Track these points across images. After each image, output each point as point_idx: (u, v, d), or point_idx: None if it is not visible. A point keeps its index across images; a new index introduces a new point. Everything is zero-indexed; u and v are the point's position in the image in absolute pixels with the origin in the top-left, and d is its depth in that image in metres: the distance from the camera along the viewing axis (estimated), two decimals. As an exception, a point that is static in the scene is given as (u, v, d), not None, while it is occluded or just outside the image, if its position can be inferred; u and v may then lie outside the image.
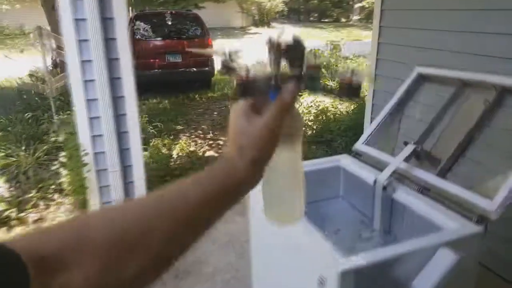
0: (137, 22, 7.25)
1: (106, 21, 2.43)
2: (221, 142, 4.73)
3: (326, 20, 25.47)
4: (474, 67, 2.05)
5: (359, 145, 1.71)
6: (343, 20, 25.69)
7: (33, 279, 0.33)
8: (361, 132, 2.81)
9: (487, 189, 1.24)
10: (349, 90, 0.54)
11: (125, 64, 2.53)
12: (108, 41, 2.47)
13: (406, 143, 1.54)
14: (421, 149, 1.52)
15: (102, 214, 0.46)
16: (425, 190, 1.36)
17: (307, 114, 5.09)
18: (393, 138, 1.76)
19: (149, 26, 7.30)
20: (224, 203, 0.48)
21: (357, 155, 1.68)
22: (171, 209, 0.44)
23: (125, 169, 2.68)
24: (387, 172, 1.45)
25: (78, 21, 2.36)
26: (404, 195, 1.40)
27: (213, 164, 0.49)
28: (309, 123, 4.81)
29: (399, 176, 1.45)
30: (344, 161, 1.73)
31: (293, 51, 0.49)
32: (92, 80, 2.47)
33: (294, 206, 0.58)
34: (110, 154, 2.55)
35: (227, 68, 0.53)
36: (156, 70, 7.00)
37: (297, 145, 0.55)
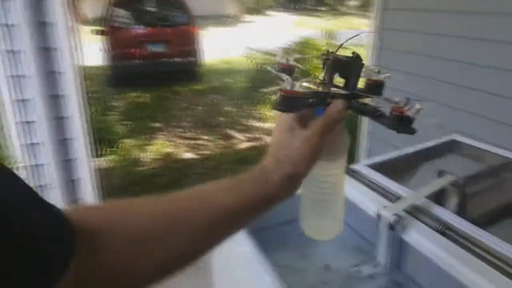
0: (116, 9, 6.67)
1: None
2: (201, 142, 4.23)
3: (323, 8, 24.80)
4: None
5: (361, 166, 1.22)
6: (340, 7, 25.01)
7: (80, 252, 0.33)
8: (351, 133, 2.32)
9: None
10: (401, 121, 0.46)
11: (64, 55, 2.01)
12: (41, 26, 1.95)
13: (441, 173, 1.06)
14: (461, 185, 1.04)
15: (135, 203, 0.43)
16: (448, 230, 0.89)
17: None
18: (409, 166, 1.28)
19: (130, 13, 6.73)
20: (251, 214, 0.47)
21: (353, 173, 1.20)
22: (198, 211, 0.43)
23: (71, 184, 2.19)
24: (398, 206, 0.97)
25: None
26: (421, 239, 0.91)
27: (248, 171, 0.48)
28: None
29: (413, 210, 0.97)
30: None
31: (350, 68, 0.48)
32: (22, 76, 1.96)
33: (331, 222, 0.58)
34: (48, 167, 2.06)
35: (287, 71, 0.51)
36: (137, 60, 6.45)
37: (340, 161, 0.54)
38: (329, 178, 0.54)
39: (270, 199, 0.47)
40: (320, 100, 0.47)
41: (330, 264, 1.02)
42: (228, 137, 4.47)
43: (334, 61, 0.48)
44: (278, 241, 1.09)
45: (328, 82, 0.49)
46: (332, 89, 0.49)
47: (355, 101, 0.50)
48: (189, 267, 0.43)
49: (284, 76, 0.46)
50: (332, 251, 1.07)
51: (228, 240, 0.46)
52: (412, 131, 0.46)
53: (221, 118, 5.10)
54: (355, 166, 1.22)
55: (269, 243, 0.96)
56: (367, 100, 0.50)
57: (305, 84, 0.47)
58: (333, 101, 0.48)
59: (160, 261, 0.40)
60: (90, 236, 0.35)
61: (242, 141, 4.38)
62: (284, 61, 0.53)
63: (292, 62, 0.53)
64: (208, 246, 0.45)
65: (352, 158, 3.08)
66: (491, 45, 1.95)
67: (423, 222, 0.92)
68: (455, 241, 0.85)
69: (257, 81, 6.05)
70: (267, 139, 4.34)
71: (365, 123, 2.90)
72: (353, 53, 0.48)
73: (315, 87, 0.48)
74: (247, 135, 4.51)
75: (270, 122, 4.76)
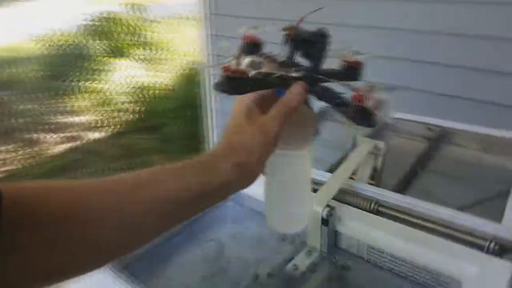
0: None
1: None
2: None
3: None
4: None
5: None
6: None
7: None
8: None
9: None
10: (361, 115, 0.42)
11: None
12: None
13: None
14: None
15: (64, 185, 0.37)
16: (381, 207, 0.77)
17: (122, 95, 3.95)
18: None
19: None
20: (195, 204, 0.41)
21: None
22: (127, 201, 0.37)
23: None
24: (327, 195, 0.76)
25: None
26: (355, 225, 0.75)
27: (198, 155, 0.43)
28: (128, 107, 3.72)
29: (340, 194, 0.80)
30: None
31: (312, 45, 0.43)
32: None
33: (297, 213, 0.54)
34: None
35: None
36: None
37: (305, 148, 0.49)
38: (294, 167, 0.50)
39: (216, 189, 0.41)
40: (273, 81, 0.42)
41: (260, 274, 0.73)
42: (34, 143, 3.50)
43: (295, 36, 0.44)
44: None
45: (287, 60, 0.44)
46: (288, 69, 0.43)
47: (316, 85, 0.44)
48: (111, 262, 0.38)
49: (235, 53, 0.43)
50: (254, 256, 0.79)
51: (164, 233, 0.41)
52: (372, 124, 0.42)
53: (18, 120, 3.95)
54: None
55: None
56: (332, 85, 0.45)
57: (256, 60, 0.42)
58: (293, 83, 0.43)
59: (80, 257, 0.35)
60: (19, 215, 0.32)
61: (54, 144, 3.50)
62: (251, 31, 0.46)
63: (259, 36, 0.46)
64: (139, 240, 0.39)
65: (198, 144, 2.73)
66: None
67: (354, 206, 0.79)
68: (390, 216, 0.76)
69: (58, 67, 4.98)
70: (89, 135, 3.59)
71: (214, 101, 2.55)
72: (319, 29, 0.43)
73: (268, 66, 0.42)
74: (61, 135, 3.62)
75: (88, 115, 3.94)
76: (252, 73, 0.40)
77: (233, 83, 0.41)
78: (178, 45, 5.06)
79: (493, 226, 0.68)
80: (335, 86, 0.45)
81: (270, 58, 0.44)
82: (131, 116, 3.71)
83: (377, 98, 0.41)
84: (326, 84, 0.45)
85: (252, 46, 0.46)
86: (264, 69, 0.41)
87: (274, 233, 0.80)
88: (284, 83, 0.43)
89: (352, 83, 0.44)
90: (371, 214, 0.76)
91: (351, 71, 0.45)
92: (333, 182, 0.80)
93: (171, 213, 0.40)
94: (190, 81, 3.47)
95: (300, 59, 0.45)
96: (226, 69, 0.40)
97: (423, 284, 0.67)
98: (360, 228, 0.74)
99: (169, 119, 3.48)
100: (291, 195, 0.53)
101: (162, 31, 5.34)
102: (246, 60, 0.41)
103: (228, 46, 0.49)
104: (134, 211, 0.37)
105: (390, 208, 0.77)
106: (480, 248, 0.66)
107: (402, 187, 0.94)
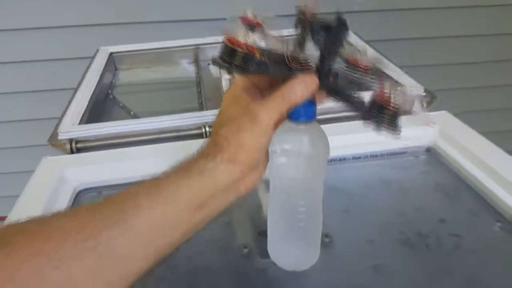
0: None
1: None
2: None
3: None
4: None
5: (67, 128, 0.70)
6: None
7: None
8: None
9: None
10: (391, 117, 0.33)
11: None
12: None
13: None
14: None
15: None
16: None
17: None
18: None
19: None
20: (183, 222, 0.32)
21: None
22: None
23: None
24: None
25: None
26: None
27: (183, 160, 0.34)
28: None
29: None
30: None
31: (330, 34, 0.35)
32: None
33: (308, 249, 0.42)
34: None
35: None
36: None
37: (319, 165, 0.38)
38: (304, 186, 0.39)
39: (212, 194, 0.32)
40: (279, 66, 0.35)
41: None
42: None
43: (311, 21, 0.35)
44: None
45: (298, 48, 0.36)
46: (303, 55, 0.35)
47: (327, 79, 0.36)
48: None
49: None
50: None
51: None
52: (397, 131, 0.33)
53: None
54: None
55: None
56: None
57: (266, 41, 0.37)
58: (302, 74, 0.35)
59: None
60: None
61: None
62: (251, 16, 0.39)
63: (260, 21, 0.39)
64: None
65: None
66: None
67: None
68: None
69: None
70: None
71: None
72: (337, 17, 0.35)
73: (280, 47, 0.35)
74: None
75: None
76: (260, 47, 0.34)
77: (234, 56, 0.34)
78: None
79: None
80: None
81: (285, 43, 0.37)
82: None
83: (406, 98, 0.34)
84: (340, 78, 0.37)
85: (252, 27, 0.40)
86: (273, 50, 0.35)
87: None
88: (291, 71, 0.35)
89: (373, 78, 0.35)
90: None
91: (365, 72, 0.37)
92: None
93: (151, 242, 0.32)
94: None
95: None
96: (231, 40, 0.34)
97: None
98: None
99: None
100: (301, 225, 0.43)
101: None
102: (255, 37, 0.36)
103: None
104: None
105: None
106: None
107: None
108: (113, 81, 1.04)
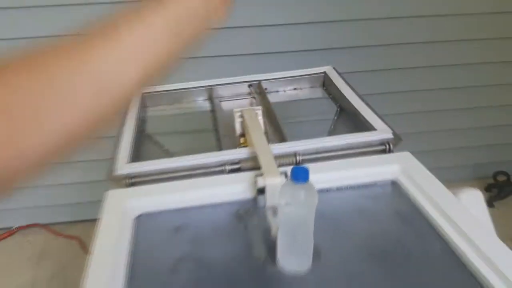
0: None
1: None
2: None
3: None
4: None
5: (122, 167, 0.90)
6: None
7: None
8: None
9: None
10: None
11: None
12: None
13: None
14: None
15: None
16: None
17: None
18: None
19: None
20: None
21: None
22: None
23: None
24: None
25: None
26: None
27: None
28: None
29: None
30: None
31: None
32: None
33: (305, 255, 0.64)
34: None
35: None
36: None
37: (309, 209, 0.59)
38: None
39: (182, 23, 0.34)
40: None
41: None
42: None
43: None
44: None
45: None
46: None
47: None
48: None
49: None
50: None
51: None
52: None
53: None
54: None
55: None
56: None
57: None
58: None
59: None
60: None
61: None
62: None
63: None
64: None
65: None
66: None
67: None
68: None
69: None
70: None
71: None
72: None
73: None
74: None
75: None
76: None
77: None
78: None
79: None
80: None
81: None
82: None
83: None
84: None
85: None
86: None
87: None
88: None
89: None
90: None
91: None
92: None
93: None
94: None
95: None
96: None
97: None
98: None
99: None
100: (302, 237, 0.63)
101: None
102: None
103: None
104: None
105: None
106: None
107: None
108: (145, 118, 1.25)
